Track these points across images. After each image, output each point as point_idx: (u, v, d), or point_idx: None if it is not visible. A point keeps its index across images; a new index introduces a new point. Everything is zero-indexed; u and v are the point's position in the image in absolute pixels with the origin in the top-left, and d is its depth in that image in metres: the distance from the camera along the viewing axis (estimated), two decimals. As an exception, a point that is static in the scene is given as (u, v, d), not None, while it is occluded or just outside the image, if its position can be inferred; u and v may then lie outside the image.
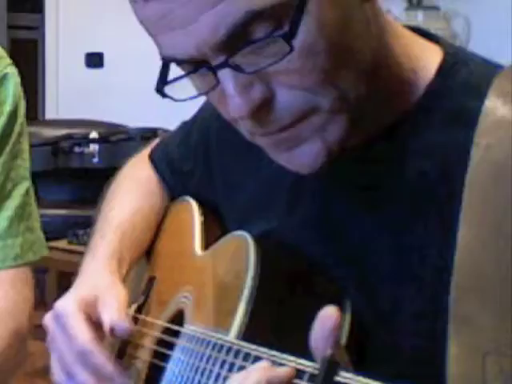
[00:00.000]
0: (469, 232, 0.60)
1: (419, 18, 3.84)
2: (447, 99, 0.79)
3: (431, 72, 0.81)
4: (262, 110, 0.72)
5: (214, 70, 0.71)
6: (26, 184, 1.24)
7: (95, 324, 0.94)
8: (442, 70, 0.81)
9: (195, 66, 0.73)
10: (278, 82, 0.72)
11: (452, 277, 0.60)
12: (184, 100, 0.74)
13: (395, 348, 0.77)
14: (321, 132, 0.74)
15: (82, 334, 0.92)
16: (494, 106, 0.64)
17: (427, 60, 0.82)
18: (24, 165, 1.24)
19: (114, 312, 0.94)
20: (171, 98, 0.75)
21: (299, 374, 0.66)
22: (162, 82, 0.75)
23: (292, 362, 0.67)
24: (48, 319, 0.97)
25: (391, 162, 0.80)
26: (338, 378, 0.61)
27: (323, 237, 0.84)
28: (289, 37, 0.69)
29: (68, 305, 0.95)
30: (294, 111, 0.73)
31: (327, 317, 0.63)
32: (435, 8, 3.85)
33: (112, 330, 0.93)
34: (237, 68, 0.70)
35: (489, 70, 0.77)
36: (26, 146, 1.25)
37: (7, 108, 1.21)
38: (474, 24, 3.84)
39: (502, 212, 0.59)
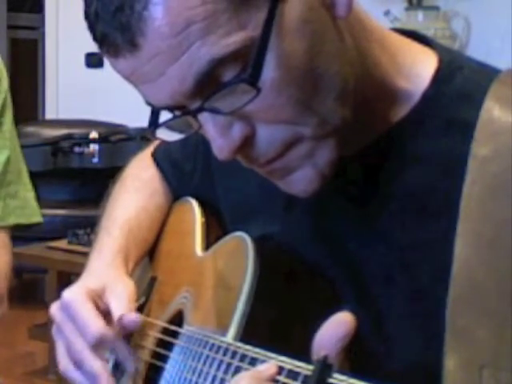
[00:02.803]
0: (466, 244, 0.60)
1: (419, 18, 3.83)
2: (443, 107, 0.78)
3: (426, 79, 0.80)
4: (245, 147, 0.73)
5: (193, 115, 0.73)
6: (5, 153, 1.28)
7: (103, 314, 0.95)
8: (438, 78, 0.80)
9: (177, 111, 0.74)
10: (256, 119, 0.72)
11: (448, 289, 0.60)
12: (176, 140, 0.75)
13: (388, 354, 0.77)
14: (310, 158, 0.74)
15: (95, 321, 0.93)
16: (490, 115, 0.63)
17: (421, 67, 0.81)
18: (3, 136, 1.28)
19: (123, 302, 0.95)
20: (163, 140, 0.76)
21: (293, 375, 0.65)
22: (153, 125, 0.76)
23: (288, 363, 0.67)
24: (55, 309, 0.97)
25: (387, 169, 0.80)
26: (331, 380, 0.61)
27: (320, 242, 0.84)
28: (252, 80, 0.69)
29: (76, 294, 0.95)
30: (277, 144, 0.73)
31: (343, 322, 0.63)
32: (435, 8, 3.85)
33: (120, 320, 0.93)
34: (214, 110, 0.71)
35: (484, 76, 0.76)
36: (7, 119, 1.29)
37: None
38: (474, 24, 3.83)
39: (500, 224, 0.59)
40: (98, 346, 0.93)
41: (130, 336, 1.00)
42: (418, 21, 3.81)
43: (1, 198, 1.28)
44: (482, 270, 0.58)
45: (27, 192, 1.32)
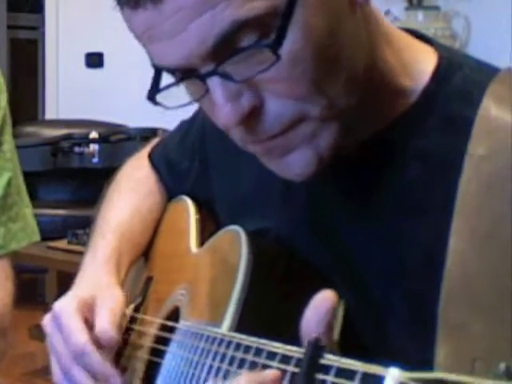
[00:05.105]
0: (460, 240, 0.60)
1: (419, 18, 3.83)
2: (441, 106, 0.79)
3: (426, 77, 0.80)
4: (251, 118, 0.72)
5: (202, 79, 0.71)
6: (7, 175, 1.25)
7: (92, 325, 0.95)
8: (437, 76, 0.80)
9: (185, 74, 0.73)
10: (267, 91, 0.72)
11: (442, 284, 0.60)
12: (175, 108, 0.74)
13: (388, 352, 0.77)
14: (311, 140, 0.74)
15: (78, 334, 0.93)
16: (488, 113, 0.64)
17: (422, 65, 0.81)
18: (4, 157, 1.25)
19: (107, 317, 0.94)
20: (162, 105, 0.75)
21: (286, 359, 0.65)
22: (154, 89, 0.75)
23: (280, 348, 0.67)
24: (46, 320, 0.97)
25: (384, 166, 0.80)
26: (323, 362, 0.61)
27: (316, 236, 0.84)
28: (275, 46, 0.68)
29: (66, 305, 0.96)
30: (283, 120, 0.73)
31: (322, 299, 0.63)
32: (435, 8, 3.85)
33: (98, 336, 0.93)
34: (225, 76, 0.70)
35: (483, 75, 0.76)
36: (7, 138, 1.25)
37: None
38: (474, 24, 3.84)
39: (494, 220, 0.59)
40: (81, 357, 0.93)
41: (123, 347, 1.00)
42: (418, 21, 3.81)
43: (2, 223, 1.24)
44: (476, 265, 0.59)
45: (26, 208, 1.29)
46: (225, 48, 0.69)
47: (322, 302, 0.63)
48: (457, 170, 0.63)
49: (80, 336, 0.93)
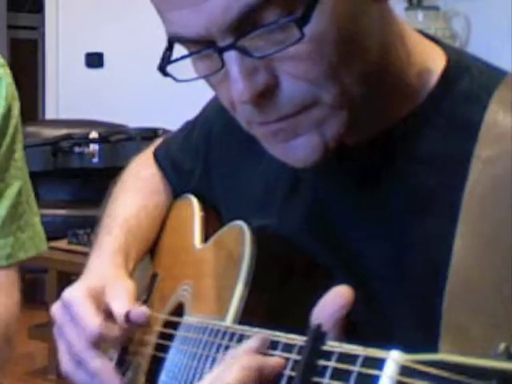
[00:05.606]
0: (464, 243, 0.60)
1: (419, 18, 3.83)
2: (448, 107, 0.79)
3: (434, 78, 0.80)
4: (265, 97, 0.72)
5: (220, 52, 0.71)
6: (18, 184, 1.24)
7: (104, 312, 0.95)
8: (445, 77, 0.80)
9: (201, 46, 0.72)
10: (283, 71, 0.71)
11: (446, 286, 0.60)
12: (185, 81, 0.73)
13: (389, 346, 0.77)
14: (319, 126, 0.74)
15: (93, 319, 0.93)
16: (495, 117, 0.64)
17: (431, 65, 0.81)
18: (16, 165, 1.24)
19: (123, 301, 0.95)
20: (172, 77, 0.74)
21: (289, 348, 0.66)
22: (166, 61, 0.75)
23: (282, 337, 0.67)
24: (56, 308, 0.97)
25: (389, 164, 0.80)
26: (325, 348, 0.61)
27: (318, 234, 0.85)
28: (301, 23, 0.68)
29: (76, 293, 0.96)
30: (295, 101, 0.72)
31: (341, 293, 0.63)
32: (435, 8, 3.85)
33: (128, 316, 0.93)
34: (244, 51, 0.70)
35: (491, 78, 0.77)
36: (19, 146, 1.25)
37: (0, 110, 1.20)
38: (474, 24, 3.84)
39: (499, 225, 0.59)
40: (97, 343, 0.93)
41: (133, 333, 1.00)
42: (418, 21, 3.81)
43: (11, 232, 1.23)
44: (478, 269, 0.59)
45: (35, 217, 1.28)
46: (248, 22, 0.68)
47: (339, 297, 0.63)
48: (461, 172, 0.63)
49: (95, 320, 0.93)
